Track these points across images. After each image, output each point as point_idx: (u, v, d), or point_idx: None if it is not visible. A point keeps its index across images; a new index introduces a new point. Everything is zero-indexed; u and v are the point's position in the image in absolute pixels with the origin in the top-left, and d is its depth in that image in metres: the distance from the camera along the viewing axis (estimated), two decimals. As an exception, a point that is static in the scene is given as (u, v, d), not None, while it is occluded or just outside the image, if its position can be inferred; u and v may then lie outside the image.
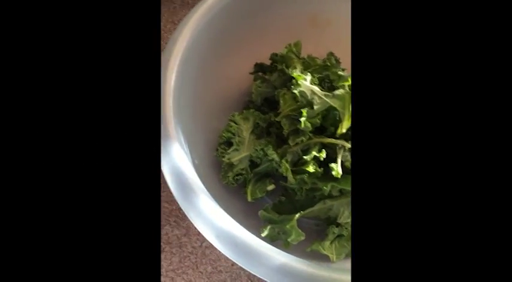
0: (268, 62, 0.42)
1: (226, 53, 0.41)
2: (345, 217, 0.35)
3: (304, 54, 0.42)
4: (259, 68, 0.42)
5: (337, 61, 0.41)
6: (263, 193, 0.36)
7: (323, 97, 0.32)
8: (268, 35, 0.44)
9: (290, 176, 0.34)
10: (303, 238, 0.32)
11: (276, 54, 0.41)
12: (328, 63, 0.39)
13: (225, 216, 0.29)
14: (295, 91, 0.33)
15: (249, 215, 0.36)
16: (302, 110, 0.32)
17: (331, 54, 0.42)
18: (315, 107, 0.32)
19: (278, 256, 0.26)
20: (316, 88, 0.33)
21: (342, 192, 0.35)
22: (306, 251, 0.33)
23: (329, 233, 0.34)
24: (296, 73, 0.34)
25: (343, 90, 0.33)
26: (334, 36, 0.45)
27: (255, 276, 0.36)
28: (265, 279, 0.27)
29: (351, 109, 0.32)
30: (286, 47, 0.40)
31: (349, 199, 0.35)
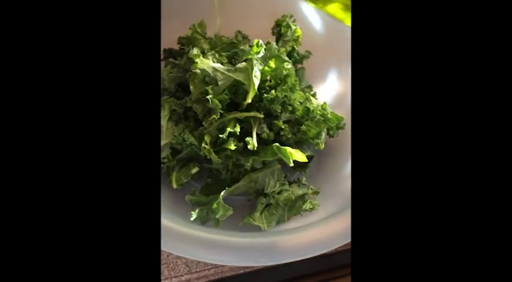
0: (177, 47, 0.41)
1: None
2: (271, 187, 0.36)
3: (213, 34, 0.42)
4: (169, 53, 0.41)
5: (245, 38, 0.42)
6: (188, 177, 0.36)
7: (226, 72, 0.33)
8: (173, 19, 0.43)
9: (214, 157, 0.34)
10: (230, 212, 0.33)
11: (183, 37, 0.40)
12: (235, 41, 0.40)
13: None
14: (195, 70, 0.33)
15: (178, 203, 0.35)
16: (207, 88, 0.32)
17: (238, 32, 0.42)
18: (220, 83, 0.33)
19: (200, 233, 0.27)
20: (218, 65, 0.33)
21: (264, 164, 0.36)
22: (239, 225, 0.34)
23: (257, 204, 0.35)
24: (193, 53, 0.34)
25: (245, 63, 0.33)
26: (240, 13, 0.45)
27: (193, 262, 0.37)
28: (193, 258, 0.27)
29: (254, 80, 0.33)
30: (190, 28, 0.39)
31: (272, 168, 0.36)
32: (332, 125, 0.37)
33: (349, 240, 0.31)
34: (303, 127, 0.35)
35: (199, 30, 0.39)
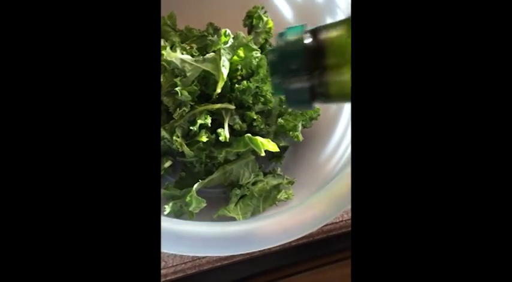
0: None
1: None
2: (246, 178, 0.36)
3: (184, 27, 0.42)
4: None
5: (216, 30, 0.41)
6: (162, 171, 0.35)
7: (194, 63, 0.32)
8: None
9: (186, 150, 0.33)
10: (204, 205, 0.33)
11: (153, 31, 0.40)
12: (206, 33, 0.39)
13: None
14: (162, 63, 0.32)
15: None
16: (175, 80, 0.32)
17: (210, 24, 0.42)
18: (188, 75, 0.32)
19: (172, 225, 0.27)
20: (186, 56, 0.33)
21: (238, 155, 0.36)
22: (214, 217, 0.34)
23: (232, 195, 0.35)
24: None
25: (214, 53, 0.33)
26: (214, 6, 0.45)
27: (169, 256, 0.36)
28: (165, 250, 0.27)
29: (223, 70, 0.32)
30: (160, 21, 0.39)
31: (246, 160, 0.36)
32: (307, 117, 0.37)
33: (326, 222, 0.31)
34: (281, 120, 0.36)
35: (169, 22, 0.39)
